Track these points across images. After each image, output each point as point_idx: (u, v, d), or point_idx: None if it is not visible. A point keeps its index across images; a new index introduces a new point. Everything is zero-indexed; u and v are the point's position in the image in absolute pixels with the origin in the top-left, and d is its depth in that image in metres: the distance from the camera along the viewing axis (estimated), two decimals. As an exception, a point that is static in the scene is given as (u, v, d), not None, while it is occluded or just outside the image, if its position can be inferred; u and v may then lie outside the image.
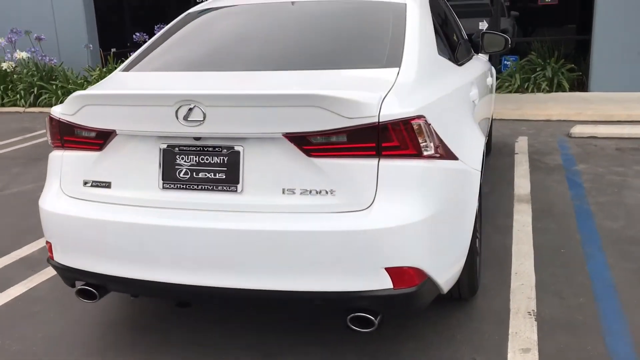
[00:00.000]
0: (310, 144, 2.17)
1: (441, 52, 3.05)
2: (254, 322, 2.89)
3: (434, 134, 2.30)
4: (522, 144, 6.21)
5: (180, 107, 2.20)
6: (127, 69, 2.85)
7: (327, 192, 2.19)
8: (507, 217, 4.14)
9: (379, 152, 2.18)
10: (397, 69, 2.48)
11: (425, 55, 2.70)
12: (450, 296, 2.88)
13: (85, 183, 2.45)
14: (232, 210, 2.25)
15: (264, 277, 2.21)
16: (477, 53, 4.61)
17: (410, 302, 2.28)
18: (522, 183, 4.91)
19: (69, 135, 2.46)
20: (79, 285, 2.56)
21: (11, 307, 3.20)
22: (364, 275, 2.17)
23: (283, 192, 2.23)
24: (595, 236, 3.77)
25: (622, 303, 2.94)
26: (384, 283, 2.19)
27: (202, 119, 2.20)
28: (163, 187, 2.33)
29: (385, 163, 2.18)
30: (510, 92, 8.93)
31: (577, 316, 2.85)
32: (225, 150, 2.26)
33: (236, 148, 2.25)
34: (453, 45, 3.56)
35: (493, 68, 5.46)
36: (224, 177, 2.27)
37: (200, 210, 2.28)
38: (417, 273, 2.23)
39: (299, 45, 2.81)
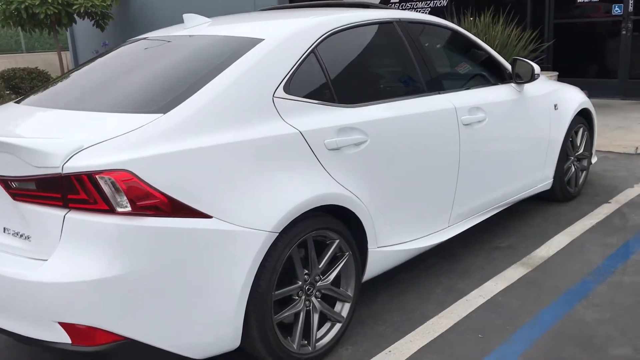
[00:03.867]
0: (12, 188, 2.23)
1: (305, 93, 2.76)
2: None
3: (145, 189, 2.15)
4: (631, 192, 5.03)
5: (-56, 142, 2.44)
6: (19, 102, 3.16)
7: (26, 237, 2.24)
8: (475, 282, 3.50)
9: (65, 204, 2.14)
10: (160, 115, 2.36)
11: (227, 101, 2.49)
12: None
13: None
14: (-22, 243, 2.42)
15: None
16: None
17: (103, 360, 2.20)
18: (558, 241, 4.04)
19: None
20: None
21: None
22: (41, 325, 2.17)
23: (4, 231, 2.33)
24: (546, 326, 2.99)
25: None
26: (61, 337, 2.15)
27: (-46, 154, 2.41)
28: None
29: (71, 216, 2.13)
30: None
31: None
32: (-22, 185, 2.44)
33: (-18, 184, 2.41)
34: (367, 82, 3.18)
35: (563, 96, 4.56)
36: (-21, 209, 2.45)
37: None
38: (101, 333, 2.14)
39: (118, 84, 2.83)
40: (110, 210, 2.12)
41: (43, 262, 2.15)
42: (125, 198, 2.13)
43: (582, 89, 9.28)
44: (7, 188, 2.25)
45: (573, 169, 4.80)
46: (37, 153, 2.12)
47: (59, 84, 3.13)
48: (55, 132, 2.41)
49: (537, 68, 3.93)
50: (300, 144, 2.63)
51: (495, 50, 8.58)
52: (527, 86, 4.09)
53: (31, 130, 2.55)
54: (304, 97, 2.75)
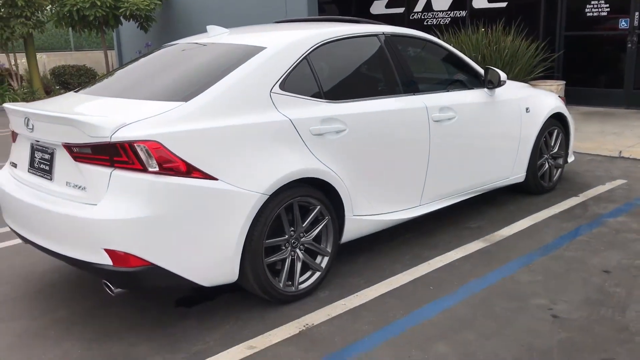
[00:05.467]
0: (74, 152, 3.06)
1: (297, 90, 3.52)
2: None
3: (169, 156, 2.96)
4: (601, 189, 5.66)
5: (24, 118, 3.31)
6: (77, 91, 4.02)
7: (82, 188, 3.07)
8: (440, 252, 4.21)
9: (112, 164, 2.96)
10: (182, 103, 3.17)
11: (234, 94, 3.29)
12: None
13: (10, 162, 3.73)
14: (48, 194, 3.27)
15: (49, 241, 3.20)
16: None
17: (135, 279, 3.00)
18: (521, 224, 4.73)
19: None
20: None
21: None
22: (91, 252, 2.98)
23: (67, 184, 3.17)
24: (487, 284, 3.70)
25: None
26: (105, 260, 2.96)
27: (32, 128, 3.27)
28: (29, 171, 3.47)
29: (116, 172, 2.95)
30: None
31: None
32: (48, 150, 3.29)
33: (52, 149, 3.26)
34: (353, 84, 3.94)
35: (536, 101, 5.23)
36: (48, 169, 3.31)
37: (38, 191, 3.35)
38: (134, 258, 2.94)
39: (153, 79, 3.66)
40: (144, 169, 2.93)
41: (94, 206, 2.97)
42: (155, 161, 2.94)
43: (590, 98, 9.90)
44: (70, 152, 3.08)
45: (547, 166, 5.47)
46: (93, 127, 2.95)
47: (108, 79, 3.99)
48: (106, 112, 3.25)
49: (503, 75, 4.63)
50: (290, 129, 3.41)
51: (504, 59, 9.29)
52: (499, 90, 4.79)
53: (89, 111, 3.40)
54: (296, 93, 3.53)
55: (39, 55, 15.15)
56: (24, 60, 14.62)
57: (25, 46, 14.26)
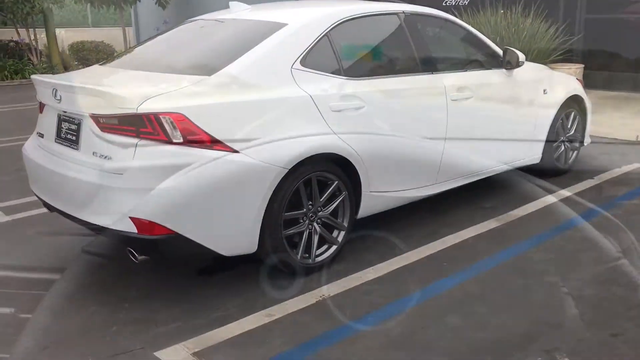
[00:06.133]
0: (100, 123, 3.15)
1: (318, 67, 3.58)
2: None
3: (193, 128, 3.04)
4: (616, 172, 5.68)
5: (52, 90, 3.40)
6: (102, 64, 4.11)
7: (109, 158, 3.16)
8: (454, 230, 4.26)
9: (138, 134, 3.05)
10: (206, 77, 3.25)
11: (256, 69, 3.36)
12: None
13: (37, 133, 3.84)
14: (74, 163, 3.37)
15: (76, 209, 3.30)
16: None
17: (158, 247, 3.11)
18: (535, 205, 4.78)
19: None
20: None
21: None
22: (117, 219, 3.08)
23: (93, 154, 3.26)
24: (499, 261, 3.77)
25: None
26: (131, 227, 3.06)
27: (60, 99, 3.37)
28: (55, 141, 3.57)
29: (142, 143, 3.04)
30: None
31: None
32: (75, 121, 3.39)
33: (78, 120, 3.36)
34: (372, 62, 3.99)
35: (554, 83, 5.25)
36: (74, 139, 3.40)
37: (65, 160, 3.45)
38: (158, 227, 3.04)
39: (177, 53, 3.73)
40: (169, 141, 3.02)
41: (121, 175, 3.07)
42: (179, 133, 3.02)
43: (609, 82, 9.83)
44: (97, 123, 3.17)
45: (563, 148, 5.49)
46: (120, 98, 3.04)
47: (133, 53, 4.07)
48: (133, 85, 3.34)
49: (521, 56, 4.65)
50: (309, 105, 3.48)
51: (523, 41, 9.24)
52: (517, 71, 4.81)
53: (116, 83, 3.49)
54: (316, 69, 3.59)
55: (57, 31, 15.25)
56: (43, 35, 14.74)
57: (45, 21, 14.38)
